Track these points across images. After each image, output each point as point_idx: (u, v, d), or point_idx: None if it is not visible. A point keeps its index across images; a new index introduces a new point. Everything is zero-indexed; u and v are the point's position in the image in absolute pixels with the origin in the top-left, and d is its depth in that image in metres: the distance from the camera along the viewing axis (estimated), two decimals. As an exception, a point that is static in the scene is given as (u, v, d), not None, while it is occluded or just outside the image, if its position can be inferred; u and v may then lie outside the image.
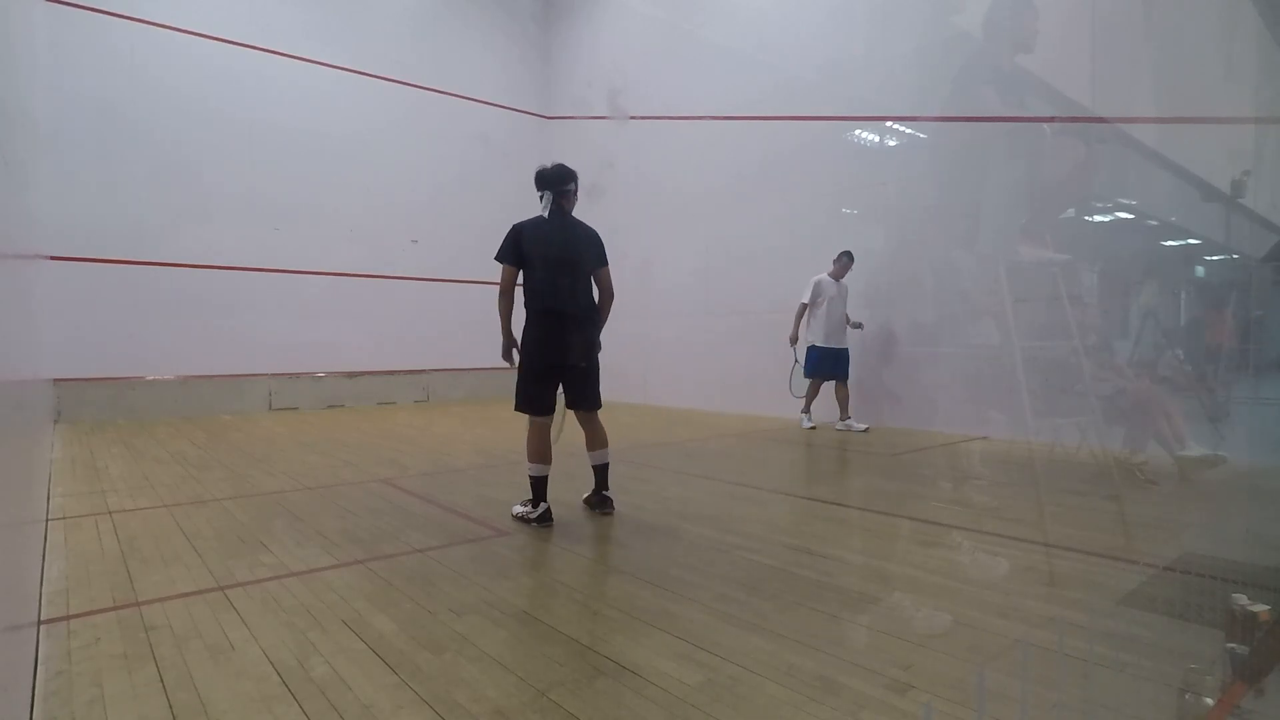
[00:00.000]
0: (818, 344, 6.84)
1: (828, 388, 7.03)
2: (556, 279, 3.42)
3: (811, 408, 7.07)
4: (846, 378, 6.91)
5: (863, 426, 6.81)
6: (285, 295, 8.94)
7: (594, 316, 3.56)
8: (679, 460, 5.38)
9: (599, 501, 3.70)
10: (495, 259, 3.42)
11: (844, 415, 6.90)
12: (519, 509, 3.52)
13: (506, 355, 3.50)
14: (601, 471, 3.68)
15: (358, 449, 5.85)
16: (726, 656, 1.98)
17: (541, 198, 3.48)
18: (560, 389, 3.55)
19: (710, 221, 9.03)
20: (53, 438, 6.41)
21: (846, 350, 6.89)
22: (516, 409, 3.50)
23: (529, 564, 2.86)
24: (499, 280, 3.40)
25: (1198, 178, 4.14)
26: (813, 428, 7.01)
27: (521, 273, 3.43)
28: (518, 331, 3.50)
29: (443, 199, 10.33)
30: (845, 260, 6.84)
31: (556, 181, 3.46)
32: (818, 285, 6.85)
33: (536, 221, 3.47)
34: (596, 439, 3.64)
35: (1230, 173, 3.66)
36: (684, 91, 9.22)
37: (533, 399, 3.47)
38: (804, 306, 6.89)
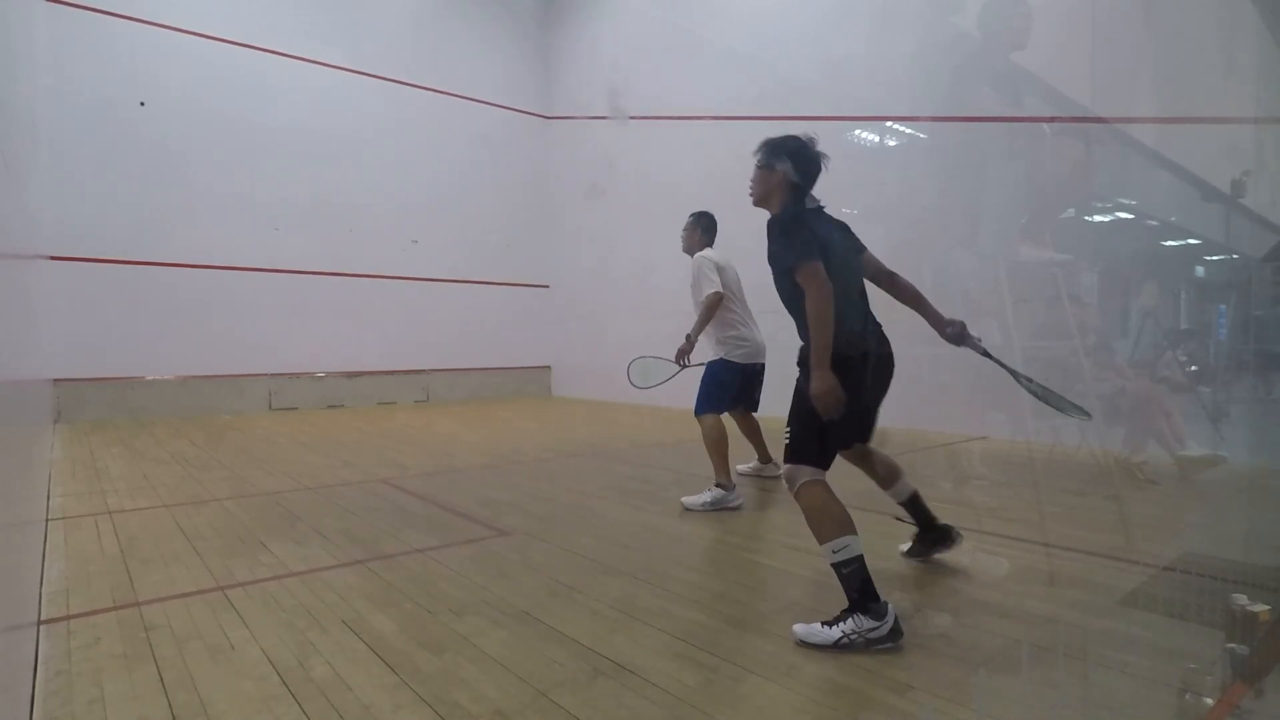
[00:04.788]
0: None
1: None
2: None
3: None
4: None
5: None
6: (285, 295, 8.93)
7: None
8: (679, 460, 5.37)
9: (941, 538, 2.73)
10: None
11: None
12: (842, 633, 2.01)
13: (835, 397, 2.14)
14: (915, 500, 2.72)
15: (358, 449, 5.84)
16: (726, 656, 1.98)
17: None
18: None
19: (710, 221, 9.03)
20: (53, 438, 6.40)
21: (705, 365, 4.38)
22: (806, 463, 2.22)
23: (529, 564, 2.86)
24: (821, 288, 2.25)
25: (1198, 178, 4.14)
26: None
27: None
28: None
29: (443, 199, 10.33)
30: (688, 224, 4.60)
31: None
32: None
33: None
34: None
35: (1230, 173, 3.66)
36: (684, 91, 9.21)
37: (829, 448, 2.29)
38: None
